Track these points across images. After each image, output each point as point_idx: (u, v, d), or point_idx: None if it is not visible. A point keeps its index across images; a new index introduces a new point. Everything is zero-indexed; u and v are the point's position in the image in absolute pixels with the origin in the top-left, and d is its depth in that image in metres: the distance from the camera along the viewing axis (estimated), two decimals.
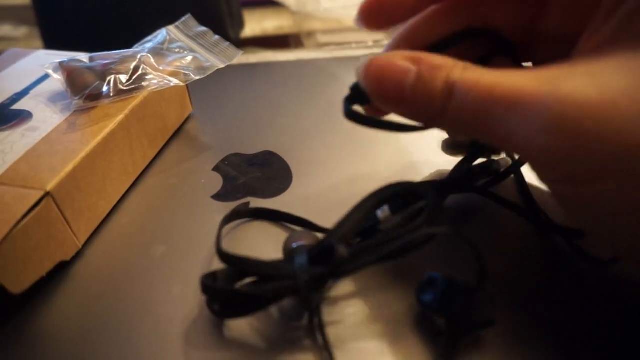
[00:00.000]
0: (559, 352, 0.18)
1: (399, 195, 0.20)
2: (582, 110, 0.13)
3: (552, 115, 0.14)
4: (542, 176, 0.16)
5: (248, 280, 0.19)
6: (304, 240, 0.20)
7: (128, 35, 0.32)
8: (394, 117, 0.19)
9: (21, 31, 0.61)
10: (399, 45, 0.21)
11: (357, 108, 0.20)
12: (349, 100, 0.19)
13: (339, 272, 0.17)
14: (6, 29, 0.61)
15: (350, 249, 0.18)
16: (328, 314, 0.19)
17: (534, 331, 0.18)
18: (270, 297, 0.18)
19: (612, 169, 0.13)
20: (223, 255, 0.19)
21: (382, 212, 0.20)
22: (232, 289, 0.18)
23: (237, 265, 0.19)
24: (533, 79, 0.14)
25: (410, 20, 0.21)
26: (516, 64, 0.21)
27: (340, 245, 0.17)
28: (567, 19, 0.19)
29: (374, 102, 0.18)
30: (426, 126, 0.18)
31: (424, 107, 0.17)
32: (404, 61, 0.17)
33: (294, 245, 0.20)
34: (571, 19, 0.19)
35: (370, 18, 0.19)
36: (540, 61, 0.21)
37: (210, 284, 0.18)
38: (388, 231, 0.20)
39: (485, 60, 0.20)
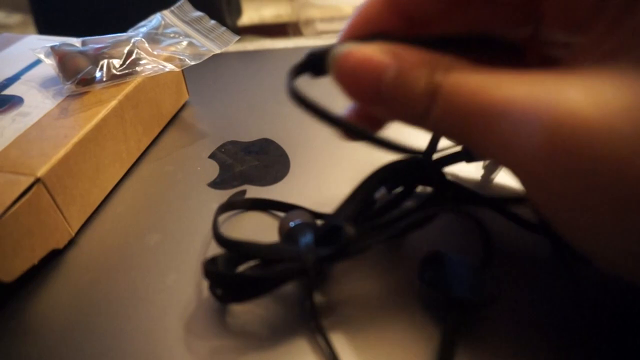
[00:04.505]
0: (562, 330, 0.17)
1: (400, 171, 0.20)
2: (577, 125, 0.12)
3: (544, 125, 0.12)
4: (529, 194, 0.15)
5: (249, 264, 0.19)
6: (300, 218, 0.20)
7: (122, 20, 0.31)
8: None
9: (15, 18, 0.60)
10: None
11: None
12: (298, 70, 0.17)
13: (346, 252, 0.17)
14: None
15: (357, 228, 0.17)
16: (329, 295, 0.19)
17: (537, 309, 0.18)
18: (277, 280, 0.17)
19: (606, 194, 0.12)
20: (221, 239, 0.18)
21: (378, 192, 0.20)
22: (237, 273, 0.18)
23: (236, 249, 0.18)
24: (523, 84, 0.13)
25: None
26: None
27: (348, 225, 0.17)
28: (563, 26, 0.17)
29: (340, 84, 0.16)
30: (412, 124, 0.16)
31: (405, 109, 0.15)
32: (383, 55, 0.15)
33: (292, 224, 0.19)
34: (567, 27, 0.17)
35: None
36: None
37: (213, 269, 0.18)
38: (386, 207, 0.19)
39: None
